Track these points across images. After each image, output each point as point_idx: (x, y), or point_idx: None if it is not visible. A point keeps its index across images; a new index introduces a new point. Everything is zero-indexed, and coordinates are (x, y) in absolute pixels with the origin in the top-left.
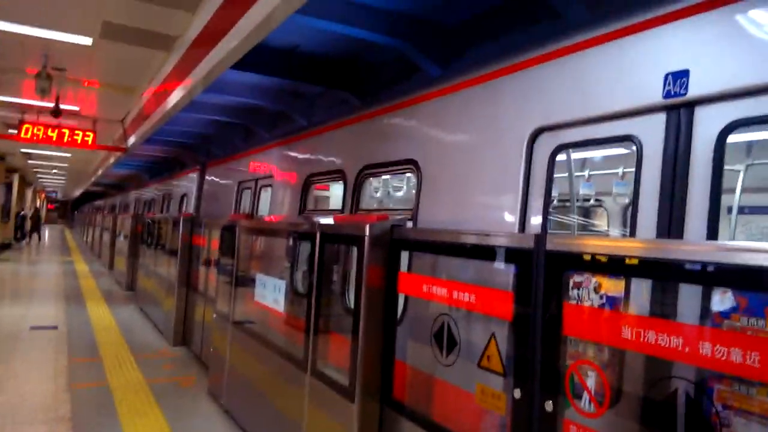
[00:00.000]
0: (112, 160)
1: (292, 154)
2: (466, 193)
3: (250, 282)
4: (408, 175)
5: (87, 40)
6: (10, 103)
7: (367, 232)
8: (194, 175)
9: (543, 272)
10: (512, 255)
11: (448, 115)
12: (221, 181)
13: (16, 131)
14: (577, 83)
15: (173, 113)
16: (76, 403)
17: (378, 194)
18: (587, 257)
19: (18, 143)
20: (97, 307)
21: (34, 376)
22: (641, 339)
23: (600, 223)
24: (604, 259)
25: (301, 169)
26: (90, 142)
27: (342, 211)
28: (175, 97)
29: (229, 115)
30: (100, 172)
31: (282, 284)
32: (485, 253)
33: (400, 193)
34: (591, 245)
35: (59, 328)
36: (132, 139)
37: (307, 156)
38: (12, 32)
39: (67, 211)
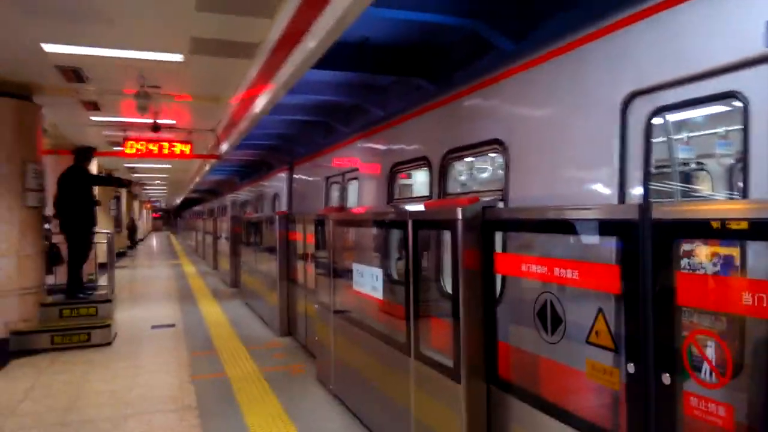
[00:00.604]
0: (207, 167)
1: (376, 145)
2: (558, 168)
3: (346, 272)
4: (492, 155)
5: (178, 57)
6: (113, 122)
7: (460, 216)
8: (283, 175)
9: (650, 243)
10: (615, 227)
11: (531, 90)
12: (309, 178)
13: (120, 148)
14: (669, 42)
15: (260, 117)
16: (200, 393)
17: (463, 177)
18: (698, 224)
19: (122, 159)
20: (208, 304)
21: (161, 370)
22: (764, 304)
23: (703, 187)
24: (716, 224)
25: (386, 160)
26: (187, 152)
27: (429, 197)
28: (261, 101)
29: (308, 113)
30: (197, 179)
31: (378, 272)
32: (585, 227)
33: (485, 174)
34: (701, 210)
35: (176, 326)
36: (224, 146)
37: (390, 146)
38: (111, 57)
39: (170, 218)
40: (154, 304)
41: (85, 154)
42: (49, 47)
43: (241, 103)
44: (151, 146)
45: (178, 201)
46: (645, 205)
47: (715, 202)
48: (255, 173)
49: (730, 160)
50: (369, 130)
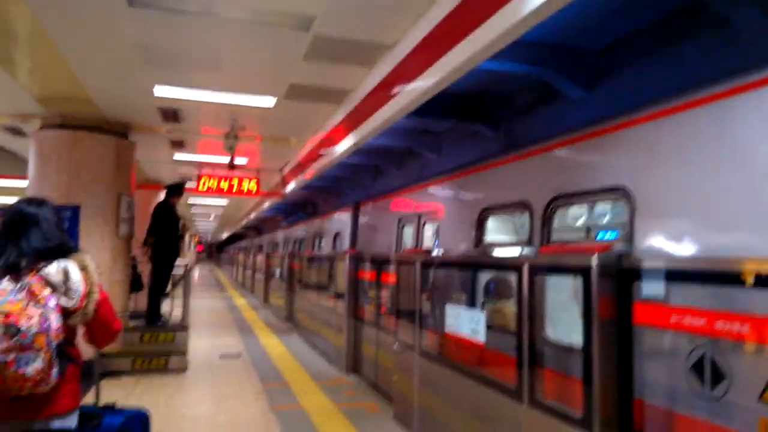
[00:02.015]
0: (266, 204)
1: (464, 188)
2: (696, 218)
3: (437, 313)
4: (599, 204)
5: (271, 102)
6: (191, 161)
7: (595, 263)
8: (345, 214)
9: None
10: None
11: (662, 139)
12: (378, 219)
13: (191, 185)
14: None
15: (341, 159)
16: (283, 423)
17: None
18: None
19: (186, 195)
20: (266, 336)
21: (240, 399)
22: None
23: None
24: None
25: (475, 203)
26: (254, 191)
27: (530, 242)
28: (344, 145)
29: (366, 157)
30: (252, 216)
31: (480, 316)
32: (761, 281)
33: (602, 221)
34: None
35: (242, 356)
36: (292, 185)
37: (481, 189)
38: (210, 100)
39: (212, 251)
40: (216, 334)
41: (177, 189)
42: (159, 90)
43: (319, 145)
44: (222, 183)
45: (224, 236)
46: None
47: None
48: (309, 213)
49: None
50: (458, 172)
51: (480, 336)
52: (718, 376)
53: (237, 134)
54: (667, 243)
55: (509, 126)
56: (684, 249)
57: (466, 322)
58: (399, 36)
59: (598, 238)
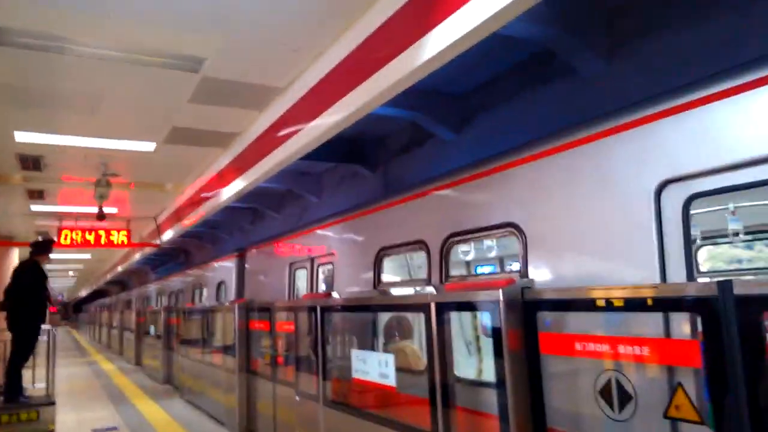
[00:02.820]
0: (137, 256)
1: (359, 228)
2: (587, 248)
3: (341, 359)
4: (493, 240)
5: (150, 147)
6: (51, 212)
7: (501, 297)
8: (230, 262)
9: (735, 317)
10: (695, 304)
11: (550, 177)
12: (266, 264)
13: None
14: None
15: (226, 204)
16: None
17: (462, 259)
18: None
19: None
20: (145, 403)
21: None
22: None
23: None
24: None
25: (372, 243)
26: (126, 242)
27: (428, 281)
28: (232, 189)
29: (259, 200)
30: (120, 268)
31: (389, 358)
32: (657, 305)
33: (491, 254)
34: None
35: (119, 429)
36: (169, 233)
37: (378, 229)
38: (81, 147)
39: (68, 312)
40: (85, 406)
41: (44, 247)
42: (21, 136)
43: (200, 189)
44: (88, 236)
45: (83, 294)
46: (725, 283)
47: None
48: (184, 262)
49: None
50: (353, 213)
51: (390, 380)
52: (624, 398)
53: (108, 181)
54: (555, 272)
55: (387, 167)
56: (580, 280)
57: (374, 366)
58: (293, 78)
59: (476, 271)
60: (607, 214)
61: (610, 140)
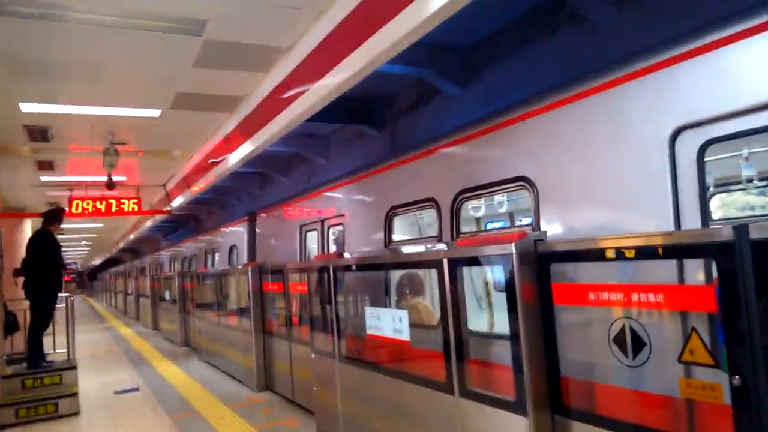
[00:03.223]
0: (148, 223)
1: (368, 189)
2: (600, 199)
3: (355, 317)
4: (504, 195)
5: (156, 113)
6: (61, 182)
7: (514, 250)
8: (240, 226)
9: (751, 262)
10: (708, 250)
11: (561, 128)
12: (277, 228)
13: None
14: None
15: (235, 168)
16: None
17: (473, 216)
18: None
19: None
20: (164, 365)
21: None
22: None
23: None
24: None
25: (382, 203)
26: (137, 209)
27: (439, 238)
28: (240, 153)
29: (266, 164)
30: (132, 236)
31: (403, 314)
32: (671, 252)
33: (501, 210)
34: None
35: (141, 390)
36: (179, 200)
37: (387, 189)
38: (87, 115)
39: (83, 280)
40: (106, 369)
41: (55, 216)
42: (26, 107)
43: (209, 155)
44: (99, 205)
45: (97, 262)
46: (742, 227)
47: None
48: (196, 228)
49: None
50: (363, 173)
51: (404, 335)
52: (638, 345)
53: (116, 149)
54: (569, 226)
55: (394, 126)
56: (593, 230)
57: (388, 323)
58: (296, 38)
59: (486, 228)
60: (621, 164)
61: (623, 88)
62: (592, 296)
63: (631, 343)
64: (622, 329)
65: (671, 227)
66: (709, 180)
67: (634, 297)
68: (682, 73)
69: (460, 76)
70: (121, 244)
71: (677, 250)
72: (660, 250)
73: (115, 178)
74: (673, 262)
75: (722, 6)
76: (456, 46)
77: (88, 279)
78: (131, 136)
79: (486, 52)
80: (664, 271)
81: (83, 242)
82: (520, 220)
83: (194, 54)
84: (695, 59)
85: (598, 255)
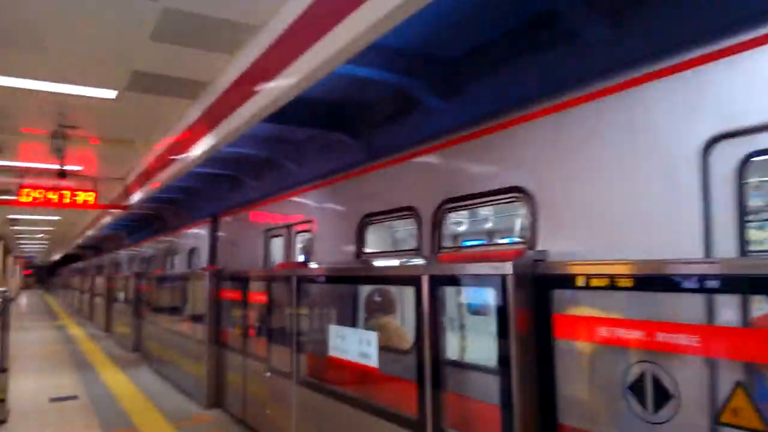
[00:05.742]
0: (107, 219)
1: (341, 194)
2: (611, 218)
3: (318, 334)
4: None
5: (111, 93)
6: (9, 167)
7: (511, 270)
8: (202, 228)
9: None
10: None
11: (566, 134)
12: (240, 232)
13: (10, 196)
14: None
15: (195, 167)
16: None
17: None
18: None
19: (4, 208)
20: (110, 372)
21: None
22: None
23: None
24: None
25: (354, 210)
26: (92, 202)
27: (418, 251)
28: (200, 149)
29: (219, 166)
30: (90, 233)
31: (371, 337)
32: (711, 284)
33: (488, 225)
34: None
35: (80, 398)
36: (138, 196)
37: (361, 195)
38: (33, 90)
39: (43, 275)
40: (46, 372)
41: None
42: None
43: (168, 148)
44: (50, 195)
45: (57, 257)
46: None
47: None
48: (156, 228)
49: None
50: (335, 176)
51: (372, 360)
52: (662, 396)
53: (65, 134)
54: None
55: (372, 135)
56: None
57: (354, 345)
58: (268, 15)
59: (465, 245)
60: (640, 177)
61: (646, 88)
62: (604, 332)
63: (653, 393)
64: (642, 375)
65: (700, 256)
66: (756, 202)
67: (659, 337)
68: (720, 71)
69: (444, 87)
70: (81, 240)
71: (719, 282)
72: (699, 281)
73: (69, 168)
74: (703, 297)
75: None
76: (442, 56)
77: (48, 274)
78: (84, 120)
79: (477, 62)
80: (691, 306)
81: (40, 234)
82: (503, 239)
83: (151, 24)
84: (737, 56)
85: (613, 282)
